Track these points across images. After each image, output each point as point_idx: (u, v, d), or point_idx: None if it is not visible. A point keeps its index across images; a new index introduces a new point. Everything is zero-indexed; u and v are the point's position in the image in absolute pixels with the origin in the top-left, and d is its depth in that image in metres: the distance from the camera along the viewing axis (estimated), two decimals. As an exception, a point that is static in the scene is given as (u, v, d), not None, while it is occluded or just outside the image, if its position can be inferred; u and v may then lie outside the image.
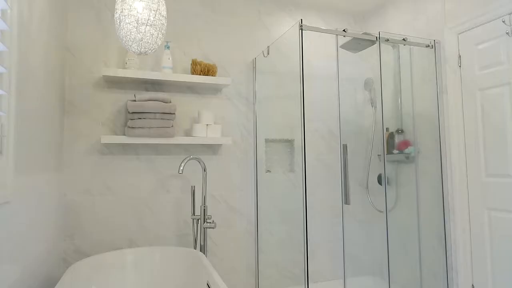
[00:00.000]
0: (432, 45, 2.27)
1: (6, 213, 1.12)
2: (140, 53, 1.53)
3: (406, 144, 2.44)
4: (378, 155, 2.74)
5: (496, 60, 1.91)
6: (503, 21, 1.87)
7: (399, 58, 2.58)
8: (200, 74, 2.26)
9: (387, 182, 2.62)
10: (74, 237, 2.04)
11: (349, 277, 2.69)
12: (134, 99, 2.08)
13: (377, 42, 2.21)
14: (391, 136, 2.55)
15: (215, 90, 2.42)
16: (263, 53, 2.46)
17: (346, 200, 1.88)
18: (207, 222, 2.12)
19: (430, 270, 2.26)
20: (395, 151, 2.50)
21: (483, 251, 1.96)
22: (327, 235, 2.65)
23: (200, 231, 2.16)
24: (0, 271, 1.08)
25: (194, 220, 2.18)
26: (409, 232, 2.43)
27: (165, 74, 2.14)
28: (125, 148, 2.19)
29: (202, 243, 2.14)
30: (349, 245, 2.73)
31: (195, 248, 2.15)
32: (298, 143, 2.63)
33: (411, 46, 2.43)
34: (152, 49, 1.53)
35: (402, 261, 2.47)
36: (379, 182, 2.72)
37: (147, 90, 2.26)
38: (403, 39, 2.31)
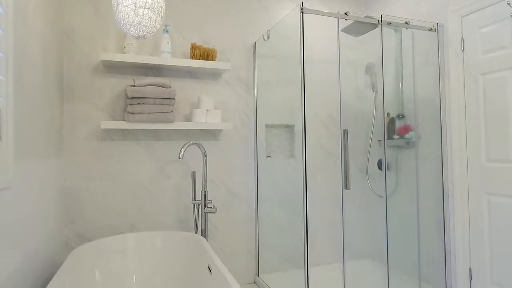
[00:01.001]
0: (435, 29, 2.23)
1: (7, 198, 1.13)
2: (139, 37, 1.51)
3: (406, 129, 2.43)
4: (378, 140, 2.73)
5: (500, 44, 1.88)
6: (508, 3, 1.83)
7: (401, 42, 2.54)
8: (199, 59, 2.24)
9: (387, 168, 2.62)
10: (75, 222, 2.06)
11: (348, 261, 2.73)
12: (133, 84, 2.07)
13: (379, 26, 2.18)
14: (391, 121, 2.54)
15: (215, 75, 2.40)
16: (263, 37, 2.43)
17: (346, 185, 1.88)
18: (207, 207, 2.13)
19: (428, 254, 2.29)
20: (396, 136, 2.49)
21: (481, 235, 1.98)
22: (327, 219, 2.68)
23: (200, 216, 2.18)
24: (4, 255, 1.09)
25: (195, 205, 2.19)
26: (408, 217, 2.45)
27: (164, 59, 2.12)
28: (125, 134, 2.18)
29: (203, 228, 2.16)
30: (349, 229, 2.75)
31: (196, 232, 2.17)
32: (298, 128, 2.62)
33: (414, 30, 2.40)
34: (150, 32, 1.51)
35: (401, 246, 2.50)
36: (379, 167, 2.73)
37: (146, 75, 2.24)
38: (406, 23, 2.27)
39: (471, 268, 2.04)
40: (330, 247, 2.68)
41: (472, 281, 2.03)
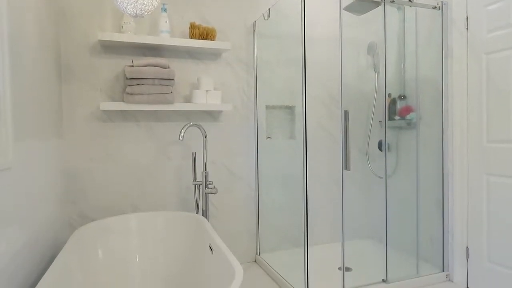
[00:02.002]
0: (439, 7, 2.18)
1: (8, 179, 1.13)
2: (136, 15, 1.48)
3: (408, 110, 2.42)
4: (379, 121, 2.72)
5: (506, 22, 1.84)
6: (515, -20, 1.78)
7: (404, 20, 2.49)
8: (198, 39, 2.20)
9: (388, 148, 2.62)
10: (77, 203, 2.08)
11: (348, 240, 2.77)
12: (131, 64, 2.04)
13: (382, 4, 2.12)
14: (393, 102, 2.52)
15: (215, 55, 2.36)
16: (264, 16, 2.38)
17: (346, 166, 1.89)
18: (208, 188, 2.15)
19: (426, 234, 2.32)
20: (397, 117, 2.48)
21: (479, 215, 2.00)
22: (326, 200, 2.70)
23: (201, 196, 2.20)
24: (8, 235, 1.11)
25: (196, 186, 2.21)
26: (407, 197, 2.47)
27: (163, 39, 2.08)
28: (124, 115, 2.17)
29: (204, 208, 2.18)
30: (348, 209, 2.78)
31: (197, 212, 2.20)
32: (299, 109, 2.61)
33: (417, 8, 2.34)
34: (148, 11, 1.47)
35: (400, 225, 2.53)
36: (380, 148, 2.73)
37: (144, 55, 2.21)
38: (409, 0, 2.22)
39: (468, 247, 2.07)
40: (329, 226, 2.71)
41: (469, 259, 2.07)
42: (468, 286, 2.07)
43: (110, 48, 2.13)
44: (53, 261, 1.63)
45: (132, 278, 1.86)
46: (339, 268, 2.27)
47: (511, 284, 1.83)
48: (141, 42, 2.03)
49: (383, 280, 2.03)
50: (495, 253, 1.92)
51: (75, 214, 2.08)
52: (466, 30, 2.04)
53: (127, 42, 2.02)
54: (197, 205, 2.21)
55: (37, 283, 1.39)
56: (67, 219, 2.06)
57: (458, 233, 2.11)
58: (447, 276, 2.17)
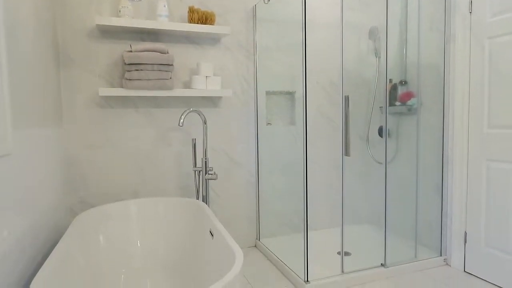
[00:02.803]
0: (442, -10, 2.14)
1: (9, 165, 1.13)
2: (133, -1, 1.45)
3: (408, 95, 2.40)
4: (380, 107, 2.71)
5: (511, 5, 1.81)
6: (521, -38, 1.74)
7: (406, 4, 2.45)
8: (197, 23, 2.17)
9: (388, 135, 2.62)
10: (78, 189, 2.09)
11: (347, 225, 2.80)
12: (130, 49, 2.01)
13: (385, -13, 2.08)
14: (394, 87, 2.50)
15: (214, 40, 2.33)
16: (264, 0, 2.34)
17: (346, 151, 1.89)
18: (208, 174, 2.15)
19: (425, 219, 2.34)
20: (397, 103, 2.47)
21: (478, 200, 2.01)
22: (326, 185, 2.71)
23: (202, 182, 2.20)
24: (10, 221, 1.12)
25: (196, 172, 2.21)
26: (407, 183, 2.48)
27: (161, 23, 2.05)
28: (123, 101, 2.16)
29: (204, 194, 2.19)
30: (348, 195, 2.80)
31: (197, 198, 2.21)
32: (299, 95, 2.59)
33: (420, -9, 2.30)
34: (145, -6, 1.44)
35: (399, 210, 2.55)
36: (380, 134, 2.72)
37: (143, 40, 2.18)
38: (412, -17, 2.17)
39: (467, 231, 2.09)
40: (329, 212, 2.74)
41: (466, 244, 2.09)
42: (466, 270, 2.10)
43: (108, 33, 2.10)
44: (55, 246, 1.65)
45: (134, 263, 1.89)
46: (338, 253, 2.30)
47: (508, 268, 1.86)
48: (139, 26, 2.00)
49: (381, 264, 2.05)
50: (493, 238, 1.94)
51: (76, 201, 2.09)
52: (469, 13, 2.01)
53: (125, 26, 1.99)
54: (198, 191, 2.22)
55: (40, 267, 1.41)
56: (68, 205, 2.07)
57: (457, 218, 2.12)
58: (445, 260, 2.20)
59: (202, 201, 2.21)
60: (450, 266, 2.17)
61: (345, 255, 2.26)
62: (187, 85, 2.29)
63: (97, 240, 1.80)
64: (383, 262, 2.06)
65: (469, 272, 2.08)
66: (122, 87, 2.06)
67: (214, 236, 1.58)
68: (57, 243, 1.72)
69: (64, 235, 1.48)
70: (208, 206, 2.28)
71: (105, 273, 1.72)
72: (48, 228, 1.60)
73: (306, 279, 1.86)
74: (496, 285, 1.93)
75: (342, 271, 1.95)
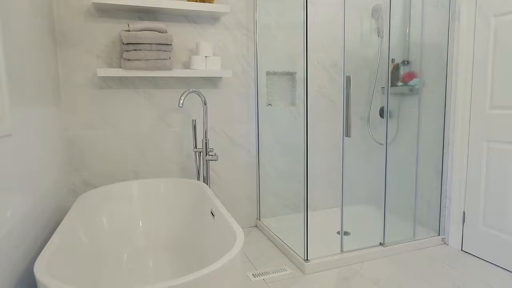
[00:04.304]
0: (448, -35, 2.08)
1: (9, 145, 1.13)
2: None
3: (411, 75, 2.37)
4: (381, 87, 2.68)
5: (517, -18, 1.76)
6: None
7: (411, -19, 2.38)
8: (196, 1, 2.12)
9: (389, 115, 2.61)
10: (80, 170, 2.10)
11: (347, 206, 2.83)
12: (128, 29, 1.98)
13: (389, -38, 2.02)
14: (396, 67, 2.47)
15: (213, 19, 2.29)
16: (264, -23, 2.27)
17: (347, 132, 1.88)
18: (209, 155, 2.16)
19: (424, 199, 2.36)
20: (399, 84, 2.44)
21: (477, 181, 2.02)
22: (327, 166, 2.72)
23: (202, 163, 2.21)
24: (13, 201, 1.12)
25: (196, 153, 2.21)
26: (407, 163, 2.48)
27: (159, 1, 2.00)
28: (122, 82, 2.14)
29: (205, 175, 2.20)
30: (348, 176, 2.81)
31: (198, 179, 2.22)
32: (300, 75, 2.56)
33: (425, -33, 2.23)
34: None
35: (399, 191, 2.57)
36: (381, 115, 2.71)
37: (141, 19, 2.14)
38: (417, -41, 2.10)
39: (465, 212, 2.11)
40: (329, 192, 2.76)
41: (464, 224, 2.11)
42: (463, 249, 2.13)
43: (105, 11, 2.06)
44: (58, 226, 1.67)
45: (136, 242, 1.92)
46: (338, 232, 2.33)
47: (504, 246, 1.89)
48: (137, 5, 1.96)
49: (380, 243, 2.08)
50: (491, 218, 1.96)
51: (78, 181, 2.10)
52: (475, -9, 1.96)
53: (123, 4, 1.94)
54: (198, 172, 2.23)
55: (44, 247, 1.44)
56: (70, 186, 2.09)
57: (456, 198, 2.14)
58: (443, 239, 2.23)
59: (203, 182, 2.22)
60: (447, 245, 2.20)
61: (344, 234, 2.29)
62: (187, 65, 2.26)
63: (99, 220, 1.82)
64: (382, 241, 2.09)
65: (466, 251, 2.11)
66: (121, 68, 2.04)
67: (215, 216, 1.60)
68: (60, 223, 1.74)
69: (67, 215, 1.50)
70: (209, 187, 2.30)
71: (108, 252, 1.75)
72: (51, 209, 1.62)
73: (306, 258, 1.89)
74: (491, 263, 1.96)
75: (342, 250, 1.99)
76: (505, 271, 1.88)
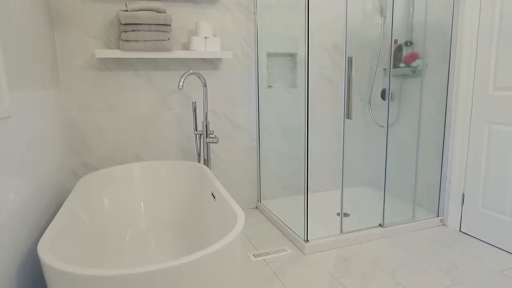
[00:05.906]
0: None
1: (8, 128, 1.12)
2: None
3: (413, 56, 2.34)
4: (383, 69, 2.65)
5: (525, -42, 1.71)
6: None
7: (416, -42, 2.31)
8: (195, -20, 2.06)
9: (391, 97, 2.58)
10: (80, 152, 2.10)
11: (347, 188, 2.84)
12: (125, 9, 1.94)
13: None
14: (399, 48, 2.43)
15: (213, -2, 2.24)
16: (265, -46, 2.21)
17: (348, 114, 1.87)
18: (209, 137, 2.15)
19: (424, 181, 2.37)
20: (402, 65, 2.41)
21: (478, 162, 2.02)
22: (327, 148, 2.72)
23: (203, 145, 2.21)
24: (15, 183, 1.13)
25: (197, 135, 2.21)
26: (408, 145, 2.48)
27: (157, -20, 1.95)
28: (122, 64, 2.11)
29: (206, 157, 2.21)
30: (349, 157, 2.82)
31: (198, 162, 2.23)
32: (301, 56, 2.53)
33: None
34: None
35: (399, 173, 2.57)
36: (382, 97, 2.68)
37: (139, -2, 2.09)
38: None
39: (465, 193, 2.12)
40: (329, 174, 2.77)
41: (464, 205, 2.13)
42: (461, 230, 2.15)
43: (102, -10, 2.01)
44: (60, 208, 1.69)
45: (138, 224, 1.94)
46: (338, 214, 2.35)
47: (502, 227, 1.91)
48: (134, -17, 1.91)
49: (379, 224, 2.11)
50: (490, 199, 1.97)
51: (79, 163, 2.11)
52: (481, -32, 1.90)
53: (120, -16, 1.90)
54: (199, 154, 2.23)
55: (46, 228, 1.45)
56: (71, 168, 2.10)
57: (456, 180, 2.14)
58: (441, 221, 2.25)
59: (204, 164, 2.23)
60: (446, 226, 2.23)
61: (344, 216, 2.31)
62: (186, 46, 2.23)
63: (101, 201, 1.83)
64: (381, 223, 2.11)
65: (464, 232, 2.13)
66: (119, 49, 2.01)
67: (216, 198, 1.61)
68: (61, 204, 1.76)
69: (69, 197, 1.51)
70: (210, 169, 2.30)
71: (110, 233, 1.77)
72: (53, 190, 1.63)
73: (306, 238, 1.92)
74: (489, 243, 1.99)
75: (341, 231, 2.01)
76: (502, 251, 1.90)
